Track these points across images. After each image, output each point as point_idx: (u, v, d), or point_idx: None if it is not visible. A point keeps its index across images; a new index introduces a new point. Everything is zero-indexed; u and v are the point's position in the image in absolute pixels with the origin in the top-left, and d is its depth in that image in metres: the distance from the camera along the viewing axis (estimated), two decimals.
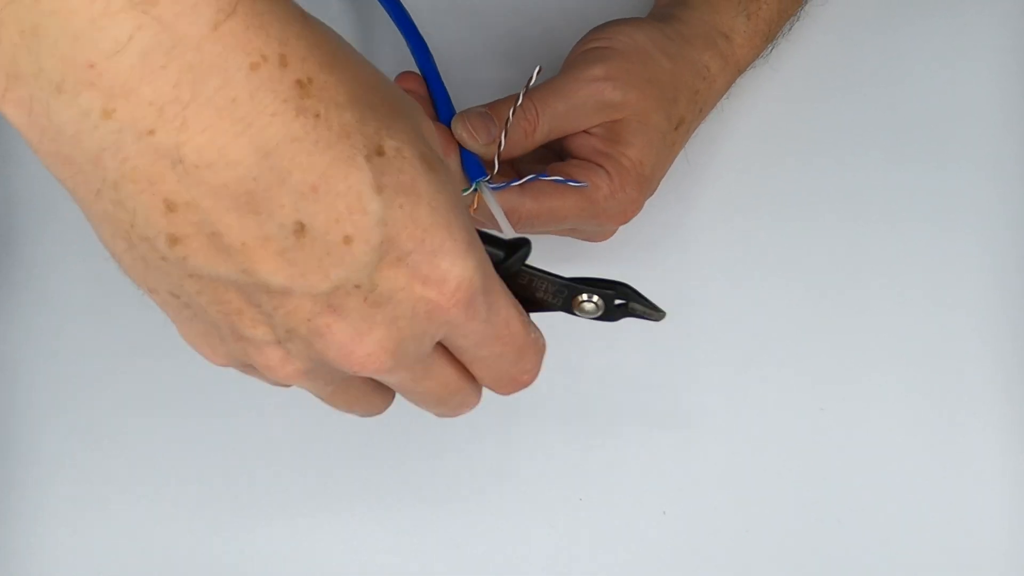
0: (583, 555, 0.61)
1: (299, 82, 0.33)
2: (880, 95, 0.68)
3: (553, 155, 0.60)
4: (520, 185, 0.56)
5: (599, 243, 0.62)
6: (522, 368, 0.44)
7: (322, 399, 0.45)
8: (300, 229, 0.34)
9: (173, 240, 0.34)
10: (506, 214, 0.55)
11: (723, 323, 0.64)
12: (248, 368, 0.41)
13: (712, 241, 0.65)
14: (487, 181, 0.55)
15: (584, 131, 0.58)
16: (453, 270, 0.37)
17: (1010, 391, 0.63)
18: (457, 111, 0.58)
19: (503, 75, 0.66)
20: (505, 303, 0.41)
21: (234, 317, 0.37)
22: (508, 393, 0.45)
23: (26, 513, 0.61)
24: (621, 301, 0.47)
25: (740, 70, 0.63)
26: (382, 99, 0.36)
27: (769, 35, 0.64)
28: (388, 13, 0.64)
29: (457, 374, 0.43)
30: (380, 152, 0.35)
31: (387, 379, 0.41)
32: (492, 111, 0.56)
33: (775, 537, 0.61)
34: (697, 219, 0.66)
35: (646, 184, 0.58)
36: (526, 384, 0.45)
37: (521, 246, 0.44)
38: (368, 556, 0.61)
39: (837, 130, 0.68)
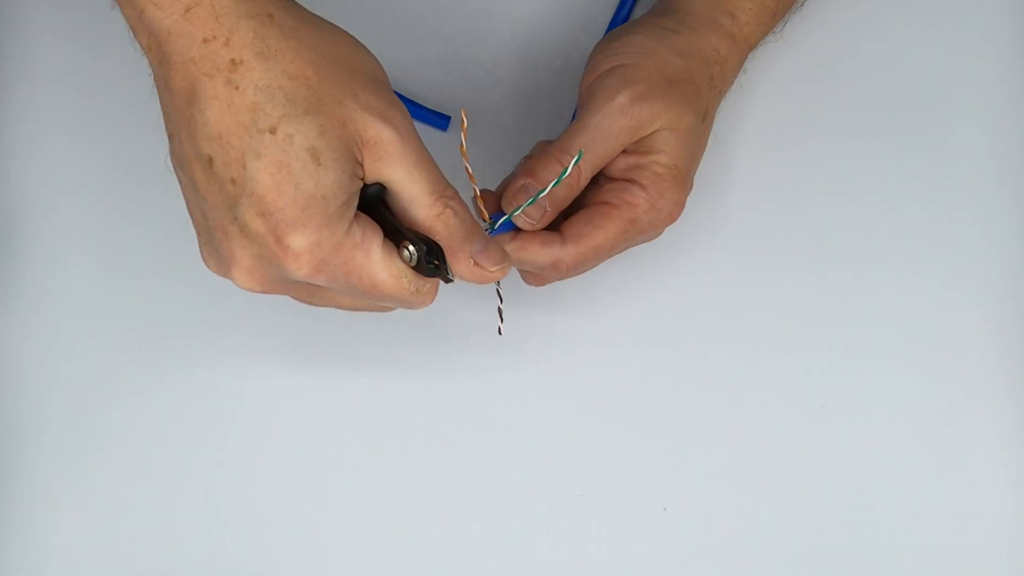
0: (583, 552, 0.61)
1: (233, 61, 0.47)
2: (895, 71, 0.67)
3: None
4: (560, 233, 0.57)
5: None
6: (408, 307, 0.52)
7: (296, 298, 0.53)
8: (209, 162, 0.48)
9: (171, 136, 0.50)
10: (551, 266, 0.57)
11: (724, 320, 0.64)
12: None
13: (711, 238, 0.65)
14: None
15: None
16: (297, 242, 0.48)
17: (1011, 388, 0.63)
18: None
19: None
20: (373, 270, 0.50)
21: (192, 211, 0.51)
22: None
23: (26, 512, 0.61)
24: (436, 263, 0.50)
25: (751, 46, 0.63)
26: (307, 96, 0.48)
27: (778, 11, 0.63)
28: None
29: (348, 301, 0.52)
30: (273, 131, 0.47)
31: (278, 294, 0.52)
32: (532, 178, 0.56)
33: (776, 533, 0.61)
34: (696, 217, 0.65)
35: (684, 182, 0.59)
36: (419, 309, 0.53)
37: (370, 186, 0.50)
38: (365, 556, 0.61)
39: (847, 110, 0.66)
